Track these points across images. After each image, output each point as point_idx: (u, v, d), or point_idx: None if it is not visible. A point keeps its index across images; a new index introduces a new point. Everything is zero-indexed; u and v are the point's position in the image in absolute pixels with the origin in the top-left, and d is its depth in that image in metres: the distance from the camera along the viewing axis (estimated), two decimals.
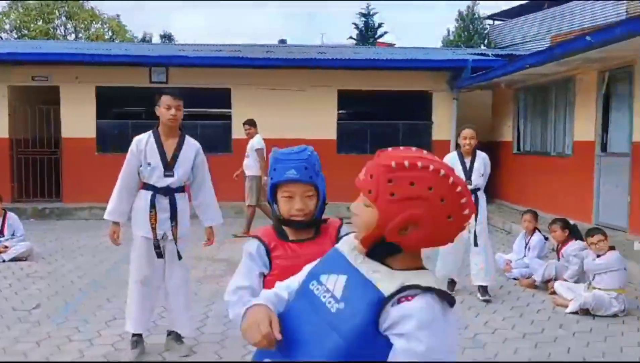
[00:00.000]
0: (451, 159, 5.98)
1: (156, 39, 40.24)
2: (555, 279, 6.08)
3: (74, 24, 33.51)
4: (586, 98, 9.53)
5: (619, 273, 5.44)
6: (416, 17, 70.74)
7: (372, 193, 1.39)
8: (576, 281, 5.89)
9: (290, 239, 2.11)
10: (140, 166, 4.23)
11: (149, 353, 4.34)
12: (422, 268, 1.43)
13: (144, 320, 4.37)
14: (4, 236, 7.69)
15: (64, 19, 33.30)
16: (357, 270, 1.43)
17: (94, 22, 33.68)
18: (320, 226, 2.15)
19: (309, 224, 2.12)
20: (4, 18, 31.83)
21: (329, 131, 12.33)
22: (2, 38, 30.85)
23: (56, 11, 32.32)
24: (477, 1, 38.92)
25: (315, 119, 12.28)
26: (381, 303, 1.34)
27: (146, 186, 4.26)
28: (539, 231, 6.98)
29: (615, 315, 5.31)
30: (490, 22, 28.55)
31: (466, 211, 1.37)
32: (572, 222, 6.58)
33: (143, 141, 4.26)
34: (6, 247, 7.50)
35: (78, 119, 12.04)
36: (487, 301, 5.73)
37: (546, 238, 6.86)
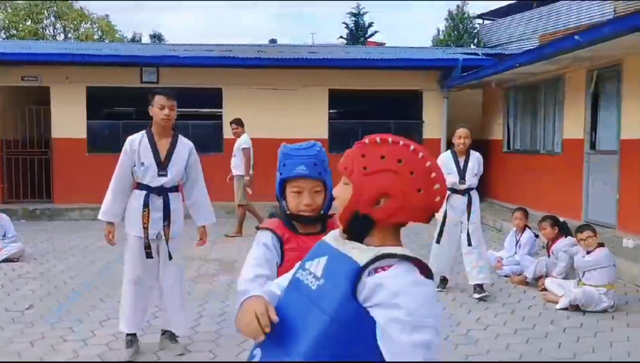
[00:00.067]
0: (445, 158, 6.03)
1: (146, 39, 40.12)
2: (546, 276, 6.16)
3: (63, 24, 33.33)
4: (575, 97, 9.62)
5: (608, 269, 5.51)
6: (406, 17, 70.90)
7: (347, 169, 1.46)
8: (565, 278, 5.97)
9: (300, 232, 2.15)
10: (134, 166, 4.24)
11: (143, 353, 4.35)
12: (400, 246, 1.46)
13: (138, 320, 4.38)
14: None
15: (52, 18, 33.14)
16: (337, 249, 1.47)
17: (83, 22, 33.52)
18: (327, 221, 2.19)
19: (316, 220, 2.16)
20: None
21: (321, 131, 12.36)
22: None
23: (45, 11, 32.15)
24: (467, 1, 39.13)
25: (306, 119, 12.31)
26: (357, 273, 1.36)
27: (140, 186, 4.27)
28: (530, 228, 7.05)
29: (604, 311, 5.38)
30: (480, 21, 28.68)
31: (436, 186, 1.41)
32: (561, 219, 6.66)
33: (136, 141, 4.27)
34: None
35: (68, 120, 12.00)
36: (483, 299, 5.75)
37: (536, 236, 6.94)
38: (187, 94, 11.90)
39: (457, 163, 5.92)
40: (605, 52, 8.02)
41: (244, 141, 9.41)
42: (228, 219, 9.73)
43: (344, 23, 37.34)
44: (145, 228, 4.20)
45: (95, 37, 33.71)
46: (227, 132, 11.88)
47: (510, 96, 12.29)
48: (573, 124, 9.67)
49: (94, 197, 10.67)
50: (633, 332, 4.89)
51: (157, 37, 40.76)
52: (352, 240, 1.47)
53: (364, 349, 1.33)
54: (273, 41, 23.42)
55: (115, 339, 4.56)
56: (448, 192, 5.96)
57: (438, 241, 6.02)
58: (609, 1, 14.06)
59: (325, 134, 12.39)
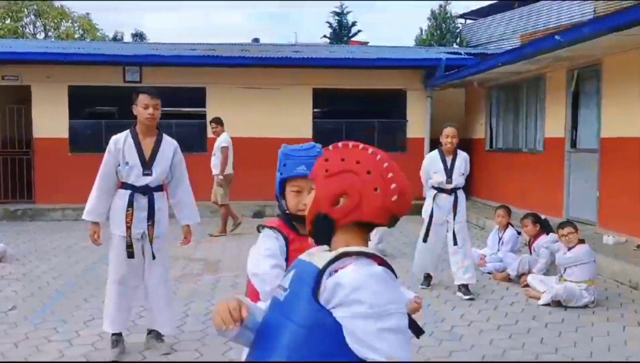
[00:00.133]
0: (432, 157, 6.06)
1: (127, 38, 39.79)
2: (528, 273, 6.24)
3: (43, 23, 32.92)
4: (556, 96, 9.75)
5: (588, 265, 5.60)
6: (389, 16, 71.17)
7: (313, 174, 1.54)
8: (546, 274, 6.07)
9: (300, 232, 2.18)
10: (119, 165, 4.22)
11: (129, 353, 4.34)
12: (365, 246, 1.49)
13: (122, 320, 4.36)
14: None
15: (32, 17, 32.69)
16: (304, 259, 1.51)
17: (63, 21, 33.13)
18: None
19: None
20: None
21: (305, 130, 12.38)
22: None
23: (25, 9, 31.70)
24: (449, 0, 39.39)
25: (290, 118, 12.32)
26: (316, 276, 1.40)
27: (124, 186, 4.25)
28: (512, 226, 7.14)
29: (585, 306, 5.48)
30: (462, 21, 28.89)
31: (393, 185, 1.46)
32: (543, 217, 6.75)
33: (121, 141, 4.25)
34: None
35: (50, 119, 11.88)
36: (471, 299, 5.78)
37: (519, 233, 7.02)
38: (171, 94, 11.85)
39: (444, 162, 5.94)
40: (585, 52, 8.14)
41: (223, 140, 9.39)
42: (212, 219, 9.71)
43: (328, 22, 37.41)
44: (129, 228, 4.18)
45: (76, 35, 33.34)
46: (211, 132, 11.87)
47: (493, 95, 12.42)
48: (554, 123, 9.81)
49: (76, 197, 10.62)
50: (613, 327, 4.98)
51: (139, 36, 40.44)
52: (319, 243, 1.53)
53: (338, 351, 1.36)
54: (256, 40, 23.36)
55: (100, 339, 4.54)
56: (434, 191, 6.00)
57: (425, 240, 6.04)
58: (589, 1, 14.25)
59: (309, 134, 12.41)
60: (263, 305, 1.63)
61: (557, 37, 7.73)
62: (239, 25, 72.50)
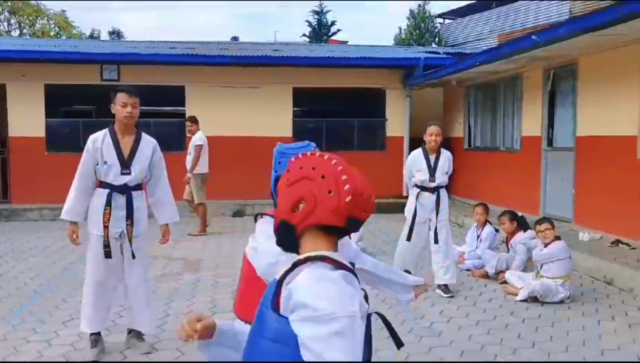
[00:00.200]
0: (416, 156, 6.07)
1: (104, 36, 39.36)
2: (507, 270, 6.34)
3: (18, 20, 32.42)
4: (533, 95, 9.90)
5: (564, 261, 5.71)
6: (368, 15, 71.45)
7: (278, 186, 1.61)
8: (524, 271, 6.17)
9: None
10: (97, 164, 4.19)
11: (110, 352, 4.32)
12: (332, 251, 1.51)
13: (99, 320, 4.33)
14: None
15: (7, 14, 32.17)
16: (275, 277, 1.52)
17: (39, 18, 32.65)
18: None
19: None
20: None
21: (285, 129, 12.37)
22: None
23: None
24: (428, 0, 39.64)
25: (270, 117, 12.31)
26: (276, 287, 1.43)
27: (103, 185, 4.22)
28: (490, 223, 7.24)
29: (561, 302, 5.58)
30: (441, 20, 29.11)
31: (346, 187, 1.49)
32: (519, 214, 6.85)
33: (99, 139, 4.22)
34: None
35: (26, 118, 11.71)
36: (450, 297, 5.84)
37: (497, 230, 7.13)
38: (149, 92, 11.79)
39: (427, 160, 5.95)
40: (561, 52, 8.27)
41: (198, 138, 9.34)
42: (192, 219, 9.67)
43: (307, 21, 37.43)
44: (106, 227, 4.16)
45: (52, 33, 32.89)
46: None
47: (471, 94, 12.55)
48: (531, 121, 9.95)
49: (53, 197, 10.51)
50: (588, 321, 5.09)
51: (116, 34, 40.03)
52: (288, 252, 1.58)
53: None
54: (235, 39, 23.30)
55: (79, 339, 4.51)
56: (417, 190, 6.02)
57: (408, 239, 6.02)
58: (567, 1, 14.46)
59: (289, 133, 12.42)
60: (238, 324, 1.65)
61: (533, 37, 7.85)
62: (217, 25, 72.25)
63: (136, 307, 4.40)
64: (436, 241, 5.96)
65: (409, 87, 12.88)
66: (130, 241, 4.24)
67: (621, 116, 7.64)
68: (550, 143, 9.58)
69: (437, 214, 5.96)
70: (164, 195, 4.47)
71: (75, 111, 13.71)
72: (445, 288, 5.93)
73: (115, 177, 4.20)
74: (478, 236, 7.18)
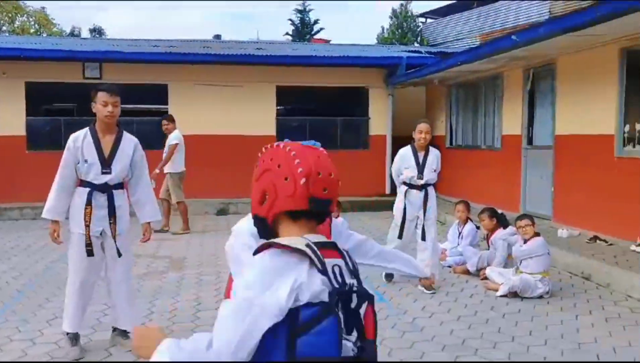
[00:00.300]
0: (404, 153, 6.08)
1: (85, 34, 38.96)
2: (487, 266, 6.45)
3: None
4: (513, 94, 10.05)
5: (543, 257, 5.83)
6: (350, 14, 71.55)
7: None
8: (504, 267, 6.28)
9: None
10: (78, 163, 4.19)
11: (95, 350, 4.33)
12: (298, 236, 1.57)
13: (80, 319, 4.34)
14: None
15: None
16: None
17: (18, 15, 32.24)
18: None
19: None
20: None
21: (268, 127, 12.40)
22: None
23: None
24: (409, 0, 39.81)
25: (254, 115, 12.33)
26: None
27: (83, 183, 4.22)
28: (472, 220, 7.34)
29: (540, 297, 5.70)
30: (423, 20, 29.27)
31: (299, 170, 1.55)
32: (499, 211, 6.97)
33: (80, 138, 4.22)
34: None
35: (6, 116, 11.58)
36: (432, 293, 5.91)
37: (478, 227, 7.23)
38: (132, 90, 11.74)
39: (416, 158, 5.98)
40: (541, 52, 8.41)
41: (174, 137, 9.32)
42: (176, 217, 9.65)
43: (290, 20, 37.41)
44: (87, 226, 4.16)
45: (32, 30, 32.50)
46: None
47: (453, 93, 12.68)
48: (511, 120, 10.10)
49: (34, 196, 10.44)
50: (566, 316, 5.20)
51: (97, 32, 39.63)
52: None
53: (270, 343, 1.43)
54: (217, 37, 23.16)
55: (64, 337, 4.50)
56: (406, 188, 6.05)
57: (400, 237, 6.03)
58: (547, 1, 14.64)
59: (273, 131, 12.45)
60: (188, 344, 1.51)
61: (513, 37, 7.98)
62: (199, 24, 71.60)
63: (119, 305, 4.42)
64: (423, 239, 5.99)
65: (392, 86, 12.98)
66: (114, 239, 4.25)
67: (599, 115, 7.79)
68: (530, 141, 9.73)
69: (424, 212, 5.99)
70: (145, 194, 4.47)
71: (57, 109, 13.61)
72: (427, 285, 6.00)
73: (96, 176, 4.19)
74: (459, 233, 7.28)
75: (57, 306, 5.23)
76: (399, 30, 31.39)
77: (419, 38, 29.08)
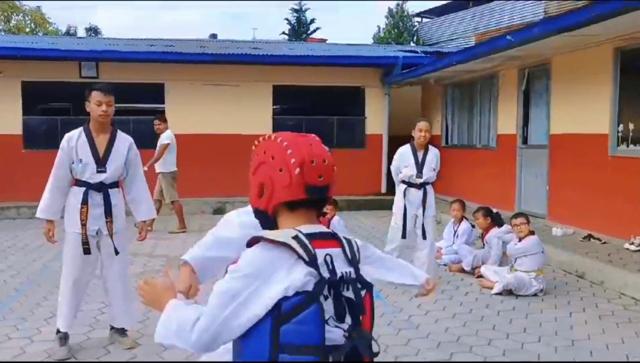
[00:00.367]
0: (404, 151, 6.07)
1: (81, 33, 38.87)
2: (483, 263, 6.50)
3: None
4: (508, 94, 10.10)
5: (537, 256, 5.88)
6: (347, 13, 71.59)
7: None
8: (499, 265, 6.34)
9: None
10: (72, 163, 4.20)
11: (93, 348, 4.37)
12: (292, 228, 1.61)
13: (73, 318, 4.36)
14: None
15: None
16: None
17: (14, 14, 32.16)
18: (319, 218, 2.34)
19: None
20: None
21: (265, 126, 12.40)
22: None
23: None
24: (405, 0, 39.85)
25: (250, 115, 12.35)
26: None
27: (79, 183, 4.23)
28: (467, 219, 7.39)
29: (535, 295, 5.75)
30: (419, 19, 29.34)
31: (292, 160, 1.58)
32: (494, 210, 7.02)
33: (74, 138, 4.23)
34: None
35: (3, 115, 11.58)
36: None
37: (473, 226, 7.28)
38: (128, 90, 11.76)
39: (415, 156, 5.97)
40: (535, 52, 8.47)
41: (165, 137, 9.32)
42: (173, 216, 9.68)
43: (286, 19, 37.41)
44: (84, 225, 4.17)
45: (28, 29, 32.44)
46: (171, 128, 11.81)
47: (448, 93, 12.74)
48: (506, 120, 10.16)
49: (31, 195, 10.37)
50: (560, 313, 5.26)
51: (93, 31, 39.56)
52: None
53: (255, 332, 1.50)
54: (214, 36, 23.17)
55: (69, 332, 4.53)
56: (405, 186, 6.06)
57: (404, 237, 6.00)
58: (541, 2, 14.72)
59: (269, 130, 12.44)
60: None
61: (508, 37, 8.03)
62: (195, 23, 71.57)
63: (115, 304, 4.45)
64: (424, 237, 6.00)
65: (388, 86, 13.02)
66: (111, 238, 4.27)
67: (593, 114, 7.85)
68: (525, 140, 9.79)
69: (423, 210, 6.00)
70: (141, 192, 4.49)
71: (53, 108, 13.60)
72: None
73: (92, 175, 4.21)
74: (455, 232, 7.34)
75: (55, 304, 5.21)
76: (395, 30, 31.40)
77: (415, 38, 29.13)
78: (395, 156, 6.23)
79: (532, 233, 6.03)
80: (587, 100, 7.96)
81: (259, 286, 1.49)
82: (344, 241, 1.63)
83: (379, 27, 33.72)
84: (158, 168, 9.26)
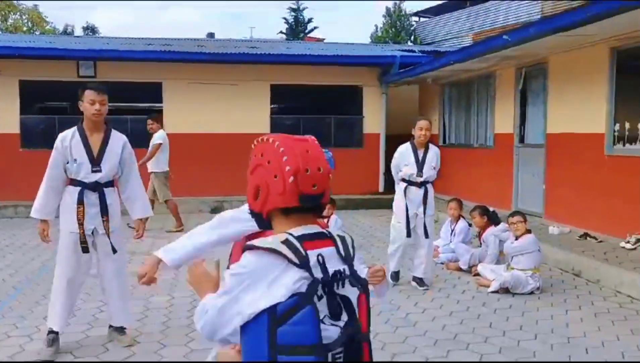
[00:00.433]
0: (404, 150, 6.06)
1: (78, 32, 38.85)
2: (479, 262, 6.54)
3: None
4: (505, 93, 10.14)
5: (534, 254, 5.92)
6: (344, 13, 71.59)
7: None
8: (496, 263, 6.37)
9: None
10: (67, 162, 4.20)
11: (91, 346, 4.39)
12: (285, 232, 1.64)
13: (65, 318, 4.36)
14: None
15: None
16: None
17: (11, 13, 32.11)
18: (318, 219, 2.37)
19: None
20: None
21: (263, 126, 12.45)
22: None
23: None
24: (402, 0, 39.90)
25: (248, 114, 12.38)
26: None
27: (73, 182, 4.23)
28: (464, 218, 7.43)
29: (531, 293, 5.79)
30: (417, 18, 29.37)
31: (287, 168, 1.58)
32: (491, 209, 7.05)
33: (68, 138, 4.22)
34: None
35: (0, 114, 11.59)
36: (425, 289, 5.99)
37: (470, 225, 7.32)
38: (126, 89, 11.77)
39: (416, 155, 5.95)
40: (532, 52, 8.50)
41: (157, 137, 9.32)
42: (169, 216, 9.69)
43: (284, 18, 37.46)
44: (81, 224, 4.18)
45: (25, 28, 32.39)
46: (168, 127, 11.82)
47: (446, 92, 12.77)
48: (503, 119, 10.19)
49: (28, 194, 10.29)
50: (556, 311, 5.30)
51: (91, 30, 39.53)
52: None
53: (254, 335, 1.52)
54: (211, 35, 23.17)
55: (61, 333, 4.55)
56: (405, 184, 6.04)
57: (409, 235, 5.98)
58: (537, 1, 14.76)
59: (267, 130, 12.49)
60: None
61: (505, 36, 8.06)
62: (192, 22, 71.51)
63: (112, 301, 4.47)
64: (427, 236, 6.01)
65: (385, 85, 13.05)
66: (108, 236, 4.28)
67: (590, 114, 7.89)
68: (522, 139, 9.83)
69: (424, 209, 5.99)
70: (136, 191, 4.49)
71: (51, 107, 13.61)
72: (420, 281, 6.08)
73: (86, 174, 4.21)
74: (452, 231, 7.37)
75: None
76: (393, 29, 31.48)
77: (412, 37, 29.18)
78: (396, 155, 6.21)
79: (528, 231, 6.07)
80: (584, 99, 8.00)
81: (248, 286, 1.53)
82: (338, 239, 1.63)
83: (376, 26, 33.83)
84: (150, 167, 9.25)
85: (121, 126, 10.19)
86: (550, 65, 8.79)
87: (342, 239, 1.65)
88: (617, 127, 7.57)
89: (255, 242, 1.56)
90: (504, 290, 5.80)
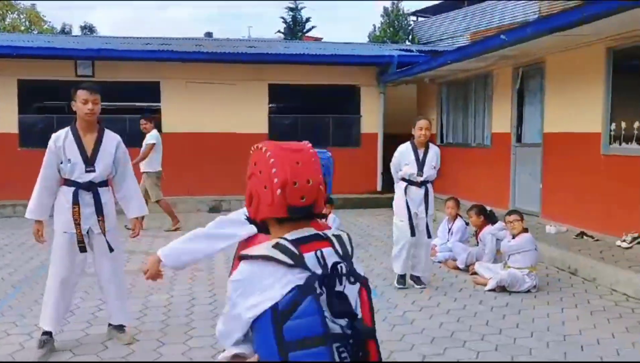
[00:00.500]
0: (404, 149, 6.05)
1: (76, 31, 38.82)
2: (477, 261, 6.57)
3: None
4: (503, 93, 10.18)
5: (530, 253, 5.96)
6: (342, 12, 71.63)
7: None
8: (494, 261, 6.41)
9: None
10: (60, 163, 4.20)
11: (91, 344, 4.42)
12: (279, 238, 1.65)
13: (59, 318, 4.36)
14: None
15: None
16: None
17: (9, 12, 32.08)
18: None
19: None
20: None
21: (261, 125, 12.48)
22: None
23: None
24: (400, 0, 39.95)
25: (246, 113, 12.40)
26: None
27: (68, 183, 4.23)
28: (461, 217, 7.46)
29: (528, 291, 5.83)
30: (414, 18, 29.40)
31: (275, 180, 1.58)
32: (488, 208, 7.08)
33: (61, 138, 4.22)
34: None
35: None
36: (422, 288, 6.03)
37: (467, 224, 7.35)
38: (124, 88, 11.79)
39: (416, 154, 5.95)
40: (529, 51, 8.54)
41: (150, 136, 9.27)
42: (166, 215, 9.70)
43: (282, 18, 37.47)
44: (78, 224, 4.18)
45: (23, 28, 32.36)
46: (166, 127, 11.87)
47: (443, 92, 12.81)
48: (501, 118, 10.23)
49: (27, 193, 10.28)
50: (552, 309, 5.33)
51: (89, 29, 39.49)
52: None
53: (262, 336, 1.52)
54: (209, 35, 23.17)
55: (61, 331, 4.58)
56: (405, 184, 6.03)
57: (413, 235, 5.95)
58: (534, 2, 14.79)
59: (265, 129, 12.53)
60: None
61: (502, 36, 8.10)
62: (190, 20, 71.44)
63: (110, 300, 4.49)
64: (429, 236, 6.04)
65: (383, 84, 13.09)
66: (104, 236, 4.29)
67: (586, 113, 7.93)
68: (519, 139, 9.87)
69: (426, 208, 5.99)
70: (131, 190, 4.51)
71: (49, 106, 13.59)
72: (417, 279, 6.12)
73: (80, 174, 4.21)
74: (449, 230, 7.40)
75: None
76: (391, 29, 31.52)
77: (410, 36, 29.22)
78: (396, 154, 6.20)
79: (525, 230, 6.11)
80: (580, 99, 8.04)
81: (243, 292, 1.54)
82: (334, 239, 1.62)
83: (374, 25, 33.85)
84: (143, 167, 9.23)
85: (119, 125, 10.21)
86: (547, 65, 8.83)
87: (338, 237, 1.64)
88: (613, 126, 7.61)
89: (249, 251, 1.59)
90: (501, 289, 5.84)
